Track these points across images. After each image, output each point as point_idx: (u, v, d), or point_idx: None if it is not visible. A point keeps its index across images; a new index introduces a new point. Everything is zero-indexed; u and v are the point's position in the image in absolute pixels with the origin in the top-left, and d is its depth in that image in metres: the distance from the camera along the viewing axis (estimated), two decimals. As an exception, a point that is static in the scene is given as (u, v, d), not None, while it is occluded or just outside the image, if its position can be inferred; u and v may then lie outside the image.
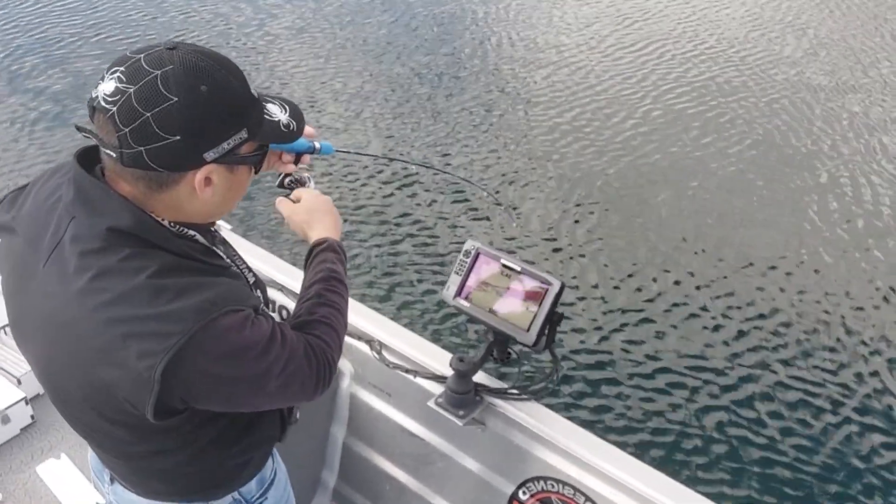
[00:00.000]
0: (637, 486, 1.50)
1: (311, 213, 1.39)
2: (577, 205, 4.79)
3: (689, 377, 3.56)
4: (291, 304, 1.98)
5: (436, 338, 3.62)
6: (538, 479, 1.68)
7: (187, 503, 1.25)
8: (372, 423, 2.01)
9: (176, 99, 0.95)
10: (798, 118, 5.89)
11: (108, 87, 0.96)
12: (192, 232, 1.10)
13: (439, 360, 1.78)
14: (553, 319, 1.53)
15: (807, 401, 3.46)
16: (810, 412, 3.40)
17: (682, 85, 6.39)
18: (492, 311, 1.57)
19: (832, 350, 3.73)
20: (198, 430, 1.13)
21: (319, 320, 1.20)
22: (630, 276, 4.19)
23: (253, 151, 1.09)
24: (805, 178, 5.13)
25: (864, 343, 3.79)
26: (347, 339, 1.82)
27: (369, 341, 1.88)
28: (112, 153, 0.97)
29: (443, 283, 1.65)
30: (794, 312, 3.95)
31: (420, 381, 1.80)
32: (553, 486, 1.66)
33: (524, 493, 1.73)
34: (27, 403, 2.35)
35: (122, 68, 0.97)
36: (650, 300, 4.02)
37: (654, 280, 4.16)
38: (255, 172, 1.14)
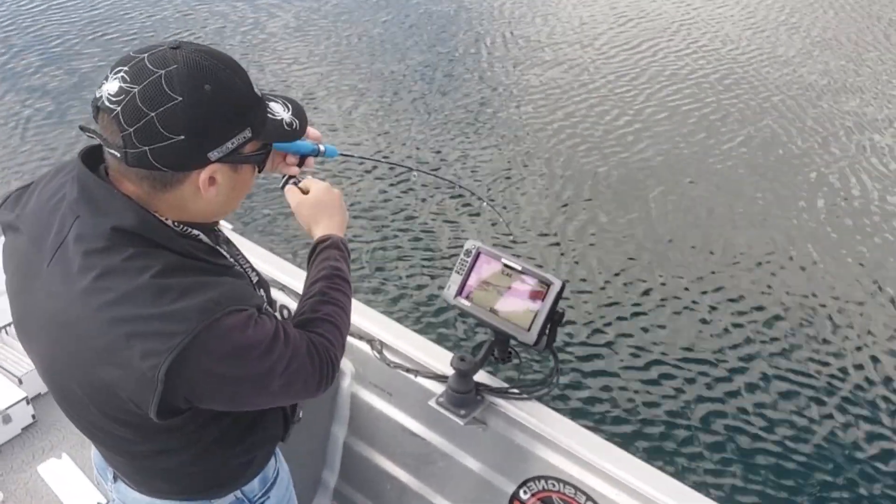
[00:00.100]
0: (638, 486, 1.51)
1: (318, 207, 1.38)
2: (572, 203, 4.80)
3: (690, 376, 3.57)
4: (292, 304, 1.98)
5: (437, 337, 3.62)
6: (539, 478, 1.68)
7: (190, 502, 1.26)
8: (373, 423, 2.01)
9: (180, 98, 0.95)
10: (789, 117, 5.92)
11: (112, 86, 0.96)
12: (195, 231, 1.10)
13: (440, 360, 1.78)
14: (554, 319, 1.54)
15: (812, 401, 3.47)
16: (810, 412, 3.42)
17: (675, 82, 6.41)
18: (493, 311, 1.58)
19: (859, 350, 3.77)
20: (201, 430, 1.13)
21: (322, 318, 1.20)
22: (630, 274, 4.20)
23: (257, 150, 1.09)
24: (796, 176, 5.16)
25: (858, 337, 3.83)
26: (348, 338, 1.82)
27: (370, 341, 1.89)
28: (116, 153, 0.98)
29: (444, 283, 1.65)
30: (809, 310, 3.99)
31: (421, 380, 1.80)
32: (554, 486, 1.66)
33: (525, 492, 1.73)
34: (28, 403, 2.35)
35: (125, 68, 0.97)
36: (651, 299, 4.03)
37: (655, 278, 4.16)
38: (259, 171, 1.14)
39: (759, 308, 3.99)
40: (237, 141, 1.03)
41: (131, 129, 0.95)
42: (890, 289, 4.17)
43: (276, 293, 2.00)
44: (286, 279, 2.01)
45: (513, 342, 1.61)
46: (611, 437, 1.93)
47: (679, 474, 2.94)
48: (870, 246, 4.51)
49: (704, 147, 5.48)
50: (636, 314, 3.92)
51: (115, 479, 1.29)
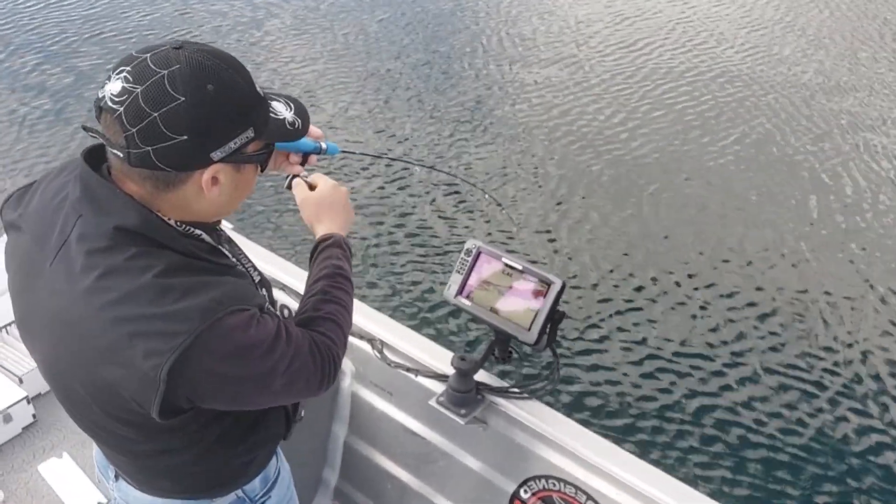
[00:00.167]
0: (639, 485, 1.51)
1: (322, 205, 1.38)
2: (567, 200, 4.81)
3: (691, 376, 3.57)
4: (293, 304, 1.98)
5: (437, 337, 3.62)
6: (540, 477, 1.69)
7: (192, 501, 1.26)
8: (373, 422, 2.01)
9: (183, 98, 0.95)
10: (783, 115, 5.93)
11: (114, 87, 0.96)
12: (198, 231, 1.10)
13: (440, 359, 1.78)
14: (554, 318, 1.54)
15: (805, 395, 3.49)
16: (803, 406, 3.43)
17: (670, 81, 6.41)
18: (493, 310, 1.58)
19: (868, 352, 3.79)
20: (203, 429, 1.13)
21: (324, 317, 1.20)
22: (630, 273, 4.20)
23: (259, 150, 1.09)
24: (790, 174, 5.18)
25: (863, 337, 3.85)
26: (349, 338, 1.82)
27: (371, 340, 1.89)
28: (119, 153, 0.98)
29: (444, 282, 1.65)
30: (804, 309, 4.00)
31: (421, 379, 1.80)
32: (555, 485, 1.66)
33: (525, 491, 1.73)
34: (29, 402, 2.35)
35: (128, 68, 0.97)
36: (646, 295, 4.04)
37: (656, 278, 4.17)
38: (261, 171, 1.14)
39: (752, 304, 4.01)
40: (240, 141, 1.03)
41: (134, 130, 0.95)
42: (881, 286, 4.20)
43: (276, 293, 2.00)
44: (287, 279, 2.01)
45: (513, 342, 1.61)
46: (610, 435, 1.93)
47: (680, 473, 2.94)
48: (861, 243, 4.54)
49: (699, 145, 5.50)
50: (632, 310, 3.94)
51: (116, 477, 1.29)
